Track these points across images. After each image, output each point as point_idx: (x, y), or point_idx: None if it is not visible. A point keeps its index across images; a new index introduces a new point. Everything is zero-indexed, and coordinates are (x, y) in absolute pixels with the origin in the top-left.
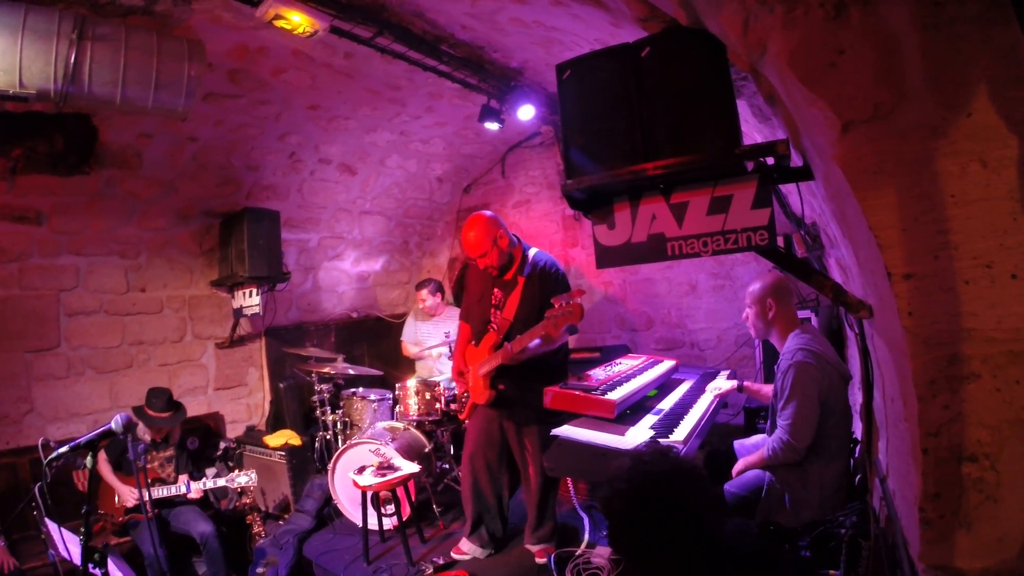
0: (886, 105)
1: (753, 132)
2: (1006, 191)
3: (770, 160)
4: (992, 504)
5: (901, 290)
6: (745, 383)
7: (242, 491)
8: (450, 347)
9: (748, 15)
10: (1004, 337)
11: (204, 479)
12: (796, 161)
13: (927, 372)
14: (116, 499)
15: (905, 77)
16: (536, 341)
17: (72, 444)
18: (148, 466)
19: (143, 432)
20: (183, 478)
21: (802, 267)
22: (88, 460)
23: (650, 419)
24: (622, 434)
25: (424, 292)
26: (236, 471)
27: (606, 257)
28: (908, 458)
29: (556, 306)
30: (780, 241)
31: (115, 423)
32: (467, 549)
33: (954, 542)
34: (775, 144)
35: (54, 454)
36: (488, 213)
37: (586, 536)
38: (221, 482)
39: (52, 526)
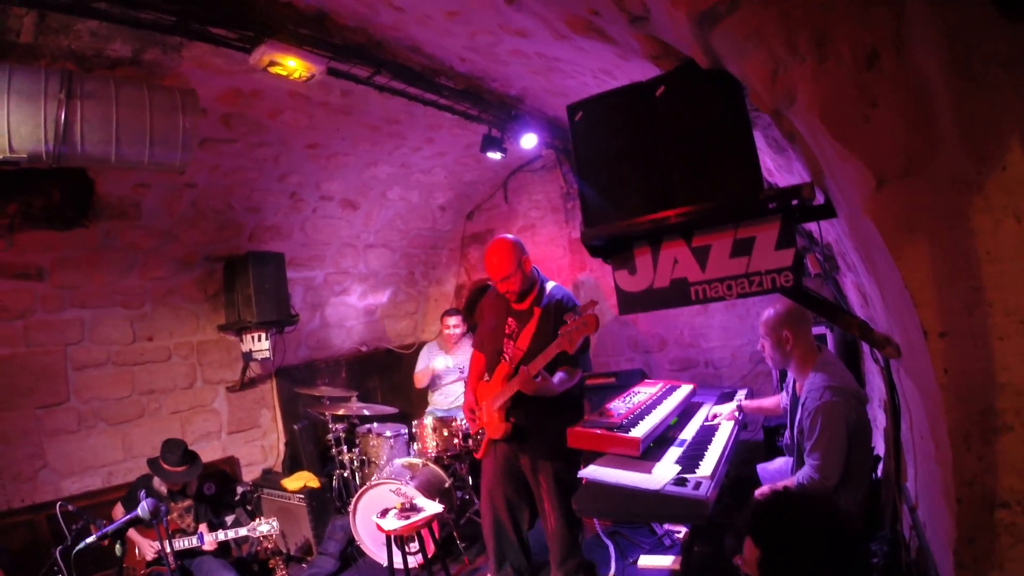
0: (919, 158)
1: (766, 159)
2: None
3: (794, 201)
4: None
5: (937, 348)
6: (743, 403)
7: (264, 537)
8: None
9: (777, 64)
10: None
11: (224, 529)
12: (818, 196)
13: (961, 426)
14: (136, 552)
15: (939, 129)
16: (560, 376)
17: (99, 534)
18: (168, 517)
19: (159, 484)
20: (203, 527)
21: (828, 308)
22: (117, 549)
23: (674, 452)
24: (648, 471)
25: (455, 319)
26: (257, 519)
27: (629, 304)
28: (941, 501)
29: (569, 322)
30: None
31: (142, 510)
32: None
33: None
34: (800, 188)
35: (82, 544)
36: (511, 237)
37: (613, 565)
38: (243, 532)
39: None
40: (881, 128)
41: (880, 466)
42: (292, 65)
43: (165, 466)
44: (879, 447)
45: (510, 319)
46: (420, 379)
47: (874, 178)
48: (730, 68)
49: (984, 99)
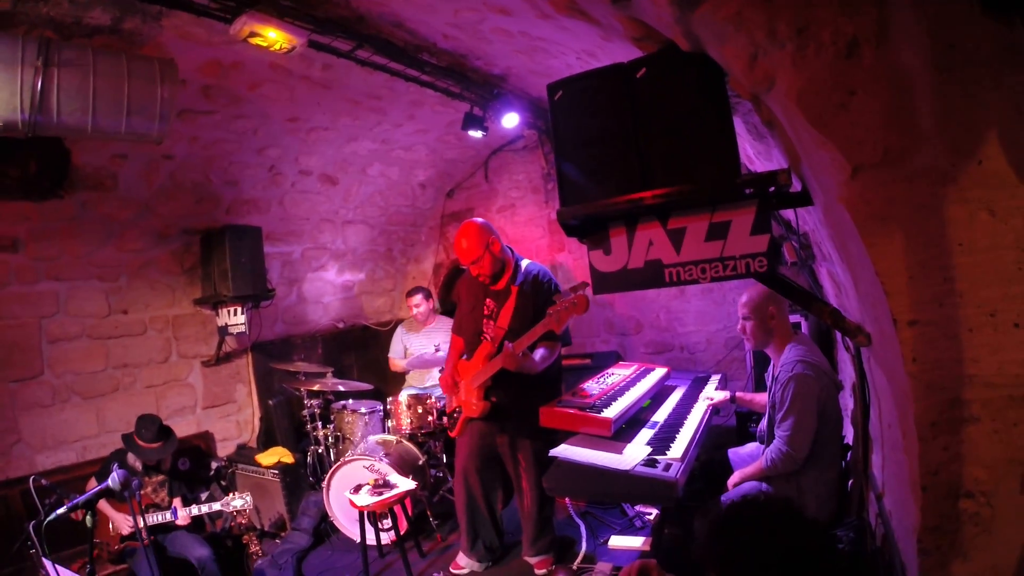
0: (896, 149)
1: (746, 146)
2: (1013, 240)
3: (771, 187)
4: (987, 536)
5: (906, 337)
6: (738, 394)
7: (238, 511)
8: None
9: (756, 49)
10: (1004, 382)
11: (198, 504)
12: (795, 184)
13: (928, 415)
14: (111, 527)
15: (916, 120)
16: (540, 352)
17: (70, 504)
18: (141, 492)
19: (133, 460)
20: (177, 502)
21: (802, 295)
22: (88, 519)
23: (646, 433)
24: (620, 452)
25: (417, 298)
26: (231, 494)
27: (603, 283)
28: (907, 490)
29: (558, 302)
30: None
31: (112, 481)
32: (465, 564)
33: (951, 571)
34: (777, 174)
35: (52, 515)
36: (479, 220)
37: (584, 544)
38: (216, 507)
39: (50, 566)
40: (858, 117)
41: (849, 453)
42: (273, 36)
43: (139, 442)
44: (849, 435)
45: (488, 300)
46: (396, 364)
47: (849, 166)
48: (711, 52)
49: (963, 94)
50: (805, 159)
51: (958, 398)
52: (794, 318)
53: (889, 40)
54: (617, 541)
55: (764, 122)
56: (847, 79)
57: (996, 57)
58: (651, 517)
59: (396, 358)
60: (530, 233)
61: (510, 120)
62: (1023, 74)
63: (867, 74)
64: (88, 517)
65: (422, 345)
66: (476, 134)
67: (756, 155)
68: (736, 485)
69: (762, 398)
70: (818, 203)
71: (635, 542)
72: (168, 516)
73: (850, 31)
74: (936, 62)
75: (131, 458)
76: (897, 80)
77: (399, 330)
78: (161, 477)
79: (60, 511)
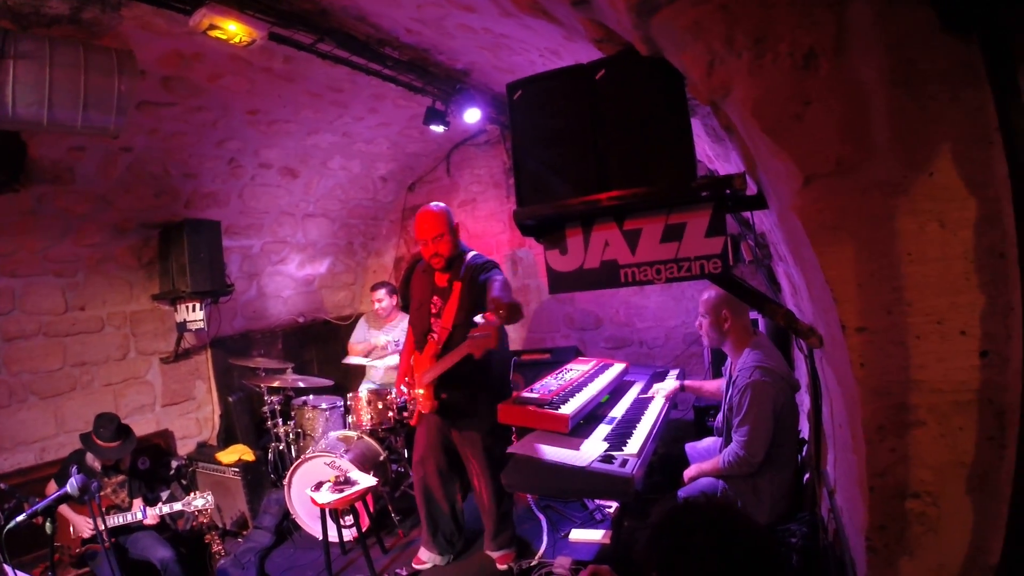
0: (849, 161)
1: (705, 147)
2: (961, 251)
3: (727, 191)
4: (933, 535)
5: (854, 343)
6: (686, 382)
7: (199, 511)
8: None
9: (714, 58)
10: (950, 388)
11: (159, 504)
12: (752, 186)
13: (876, 418)
14: (71, 530)
15: (870, 133)
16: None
17: (29, 512)
18: (101, 493)
19: (92, 460)
20: (137, 503)
21: (755, 297)
22: (48, 527)
23: (603, 429)
24: (577, 448)
25: (381, 292)
26: (192, 494)
27: (559, 283)
28: (856, 488)
29: (479, 325)
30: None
31: (70, 487)
32: (427, 558)
33: (898, 568)
34: (732, 178)
35: (12, 523)
36: (443, 204)
37: (545, 537)
38: (178, 506)
39: (11, 572)
40: (812, 127)
41: (805, 447)
42: (233, 29)
43: (98, 441)
44: (805, 430)
45: (435, 297)
46: (353, 349)
47: (802, 175)
48: (669, 58)
49: (919, 108)
50: (760, 165)
51: (905, 403)
52: (753, 314)
53: (847, 53)
54: (578, 534)
55: (722, 126)
56: (803, 90)
57: (953, 73)
58: (611, 510)
59: (355, 344)
60: (491, 228)
61: (472, 115)
62: (978, 90)
63: (823, 85)
64: (48, 524)
65: (386, 340)
66: (438, 129)
67: (715, 156)
68: (692, 479)
69: (711, 385)
70: (773, 207)
71: (595, 535)
72: (130, 517)
73: (808, 43)
74: (893, 76)
75: (90, 458)
76: (853, 92)
77: (361, 321)
78: (121, 477)
79: (20, 519)
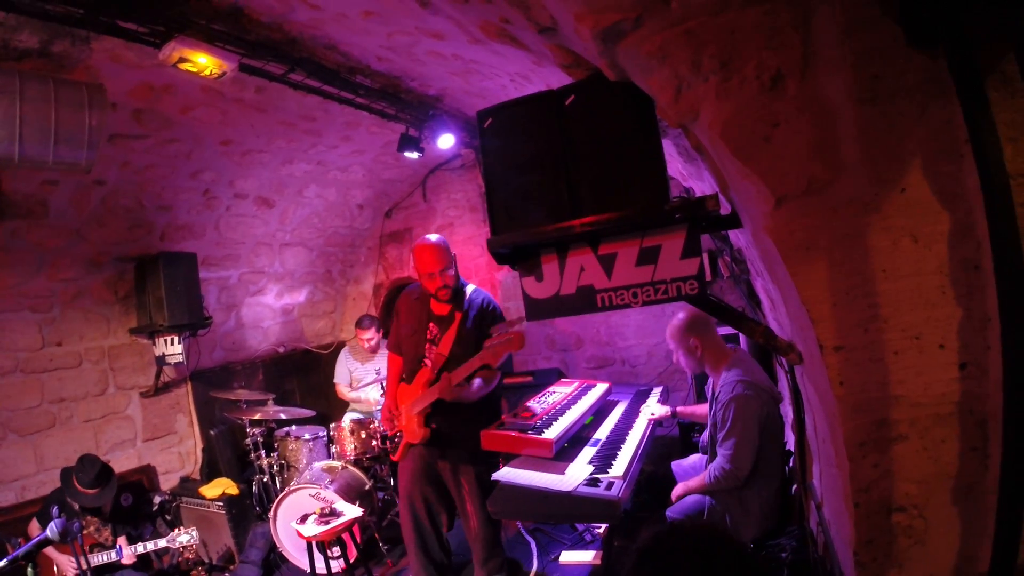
0: (820, 180)
1: (678, 166)
2: (936, 265)
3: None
4: (921, 547)
5: (832, 361)
6: (678, 408)
7: (184, 547)
8: (382, 384)
9: (680, 82)
10: (930, 401)
11: (143, 542)
12: (725, 205)
13: (857, 435)
14: (55, 569)
15: (840, 151)
16: (477, 382)
17: (10, 558)
18: (84, 532)
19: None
20: (121, 540)
21: (733, 315)
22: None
23: (588, 452)
24: (562, 472)
25: (370, 332)
26: (176, 530)
27: (536, 310)
28: (841, 504)
29: (495, 335)
30: (705, 258)
31: (51, 531)
32: None
33: None
34: (705, 200)
35: None
36: (440, 236)
37: (535, 561)
38: (162, 543)
39: None
40: (782, 148)
41: (792, 459)
42: (203, 62)
43: (78, 487)
44: (791, 442)
45: (431, 324)
46: (343, 393)
47: (773, 197)
48: (637, 82)
49: (887, 124)
50: (732, 187)
51: (885, 418)
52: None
53: (813, 72)
54: (568, 556)
55: (693, 147)
56: (771, 111)
57: (920, 88)
58: (601, 531)
59: (342, 384)
60: (469, 251)
61: (446, 141)
62: (946, 104)
63: (791, 106)
64: (30, 569)
65: (366, 371)
66: (412, 155)
67: (688, 175)
68: (679, 497)
69: (703, 409)
70: (747, 226)
71: (586, 556)
72: (114, 556)
73: (774, 64)
74: (861, 93)
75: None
76: (821, 112)
77: (343, 354)
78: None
79: (1, 564)
